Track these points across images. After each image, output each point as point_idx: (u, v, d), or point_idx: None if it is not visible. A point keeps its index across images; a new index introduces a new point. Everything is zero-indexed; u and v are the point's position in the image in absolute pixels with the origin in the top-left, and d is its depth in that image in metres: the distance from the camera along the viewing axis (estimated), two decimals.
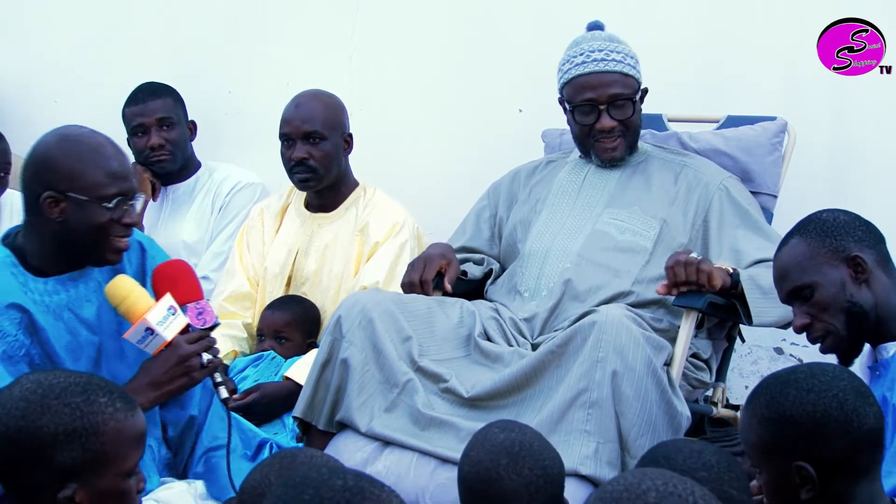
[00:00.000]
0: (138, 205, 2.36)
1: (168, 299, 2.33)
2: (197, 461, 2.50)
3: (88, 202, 2.26)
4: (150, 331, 2.29)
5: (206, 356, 2.34)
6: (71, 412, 1.72)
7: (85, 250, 2.31)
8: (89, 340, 2.36)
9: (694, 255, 2.66)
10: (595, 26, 3.07)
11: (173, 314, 2.32)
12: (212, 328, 2.40)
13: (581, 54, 2.99)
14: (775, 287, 2.27)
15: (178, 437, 2.52)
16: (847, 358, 2.21)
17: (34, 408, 1.71)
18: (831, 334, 2.18)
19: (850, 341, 2.18)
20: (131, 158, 3.72)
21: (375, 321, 2.70)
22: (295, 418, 2.80)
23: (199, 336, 2.36)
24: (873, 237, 2.19)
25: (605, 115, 2.97)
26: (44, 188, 2.26)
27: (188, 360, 2.32)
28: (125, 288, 2.31)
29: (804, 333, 2.22)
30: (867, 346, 2.21)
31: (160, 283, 2.40)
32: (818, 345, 2.23)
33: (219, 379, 2.40)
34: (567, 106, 3.03)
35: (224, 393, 2.41)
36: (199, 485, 2.42)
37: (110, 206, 2.26)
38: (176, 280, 2.40)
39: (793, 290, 2.20)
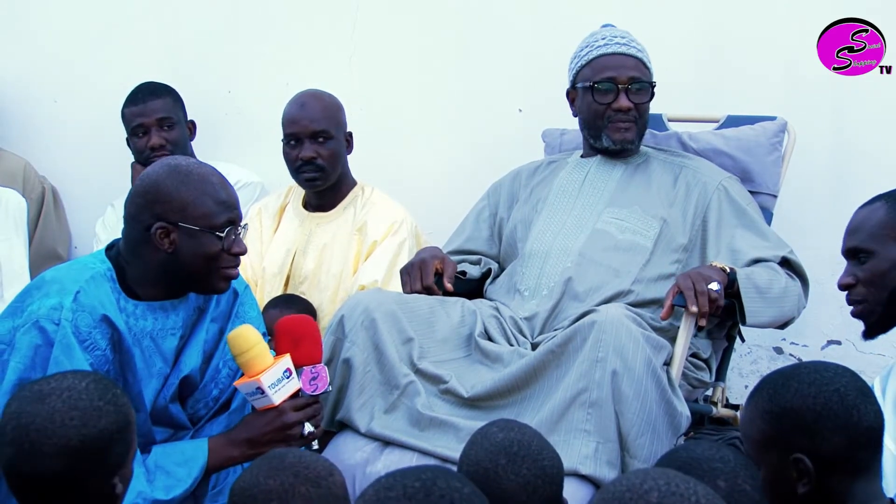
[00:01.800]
0: (244, 234, 2.37)
1: (286, 361, 2.33)
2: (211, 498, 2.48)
3: (200, 232, 2.27)
4: (260, 390, 2.29)
5: (308, 427, 2.34)
6: (116, 410, 1.77)
7: (194, 279, 2.32)
8: (160, 372, 2.36)
9: (714, 285, 2.63)
10: (609, 25, 3.11)
11: (287, 377, 2.32)
12: (323, 394, 2.40)
13: (603, 38, 3.04)
14: (843, 238, 2.25)
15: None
16: (871, 332, 2.21)
17: (90, 414, 1.75)
18: (866, 303, 2.17)
19: (881, 317, 2.17)
20: (131, 159, 3.76)
21: (378, 322, 2.70)
22: None
23: (307, 403, 2.35)
24: None
25: (623, 96, 3.00)
26: (155, 219, 2.27)
27: (290, 429, 2.32)
28: (249, 341, 2.30)
29: (844, 294, 2.22)
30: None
31: (283, 338, 2.39)
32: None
33: (315, 447, 2.40)
34: (585, 85, 3.03)
35: None
36: None
37: (222, 235, 2.28)
38: (299, 341, 2.39)
39: (853, 248, 2.19)
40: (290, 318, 2.45)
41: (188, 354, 2.40)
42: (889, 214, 2.16)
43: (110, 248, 2.37)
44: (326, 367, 2.41)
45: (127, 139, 3.74)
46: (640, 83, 3.01)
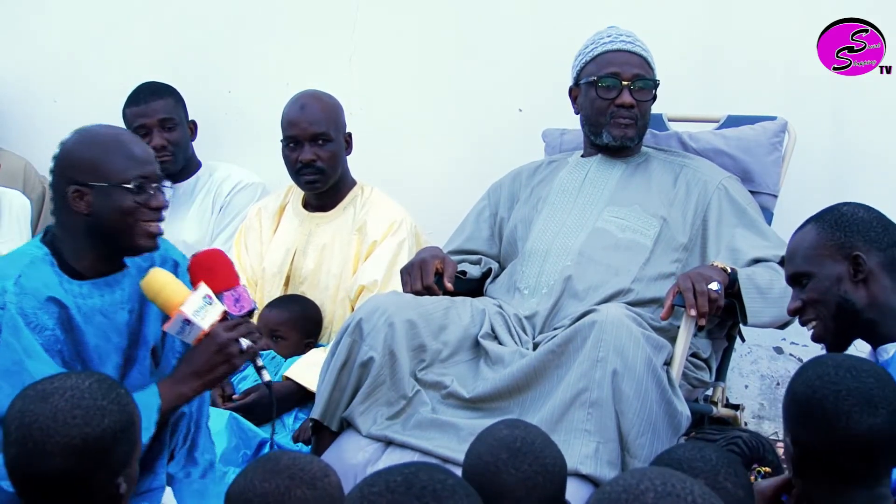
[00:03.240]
0: (167, 191, 2.37)
1: (203, 289, 2.33)
2: (174, 463, 2.48)
3: (112, 188, 2.27)
4: (187, 322, 2.29)
5: (244, 342, 2.33)
6: (120, 409, 1.78)
7: (117, 239, 2.31)
8: (118, 346, 2.37)
9: (714, 285, 2.64)
10: (614, 28, 3.13)
11: (209, 303, 2.32)
12: (250, 314, 2.40)
13: (609, 35, 3.06)
14: (784, 267, 2.30)
15: (169, 432, 2.50)
16: (832, 349, 2.23)
17: (93, 412, 1.76)
18: (818, 322, 2.21)
19: (835, 334, 2.20)
20: None
21: (396, 326, 2.70)
22: (311, 420, 2.78)
23: (237, 323, 2.35)
24: (889, 239, 2.18)
25: (626, 92, 3.01)
26: (68, 183, 2.28)
27: (227, 348, 2.31)
28: (161, 281, 2.31)
29: (797, 317, 2.26)
30: (868, 349, 2.21)
31: (196, 272, 2.40)
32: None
33: (260, 364, 2.40)
34: (589, 80, 3.05)
35: (266, 377, 2.41)
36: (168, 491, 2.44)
37: (132, 187, 2.27)
38: (211, 269, 2.40)
39: (793, 274, 2.23)
40: (198, 253, 2.46)
41: (148, 327, 2.41)
42: (819, 235, 2.19)
43: (45, 235, 2.38)
44: (247, 287, 2.41)
45: None
46: (643, 80, 3.02)
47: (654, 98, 3.08)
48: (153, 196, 2.31)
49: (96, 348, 2.32)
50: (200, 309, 2.31)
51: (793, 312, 2.25)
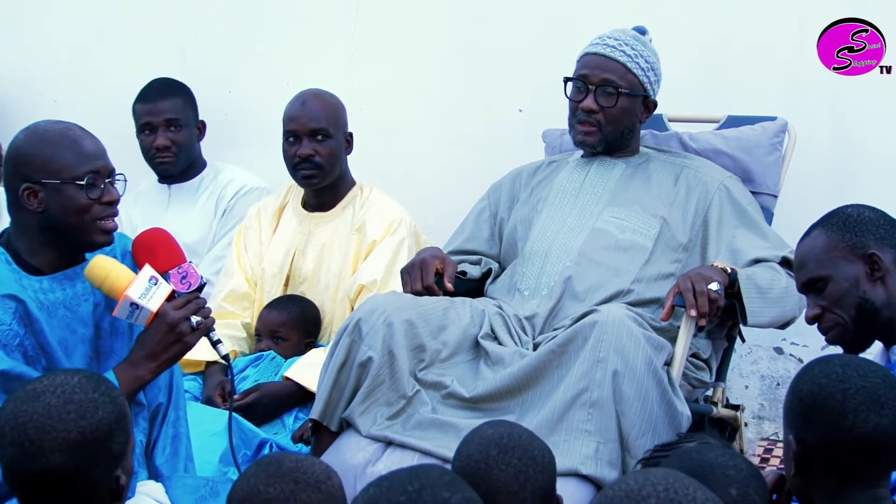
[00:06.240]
0: (120, 185, 2.36)
1: (147, 270, 2.33)
2: (161, 451, 2.49)
3: (62, 185, 2.27)
4: (134, 305, 2.29)
5: (195, 318, 2.33)
6: (111, 400, 1.79)
7: (71, 236, 2.31)
8: (85, 338, 2.37)
9: (714, 285, 2.64)
10: (638, 29, 3.12)
11: (155, 284, 2.32)
12: (199, 289, 2.39)
13: (599, 38, 3.05)
14: (794, 275, 2.29)
15: (148, 425, 2.51)
16: (851, 352, 2.22)
17: (86, 406, 1.76)
18: (839, 326, 2.20)
19: (856, 336, 2.19)
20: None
21: (395, 326, 2.70)
22: (311, 420, 2.79)
23: (186, 300, 2.34)
24: None
25: (590, 97, 3.00)
26: (21, 181, 2.29)
27: (177, 327, 2.31)
28: (104, 268, 2.30)
29: (815, 325, 2.25)
30: (880, 347, 2.22)
31: (139, 254, 2.40)
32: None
33: (215, 337, 2.41)
34: (565, 81, 3.06)
35: (223, 350, 2.43)
36: (159, 487, 2.43)
37: (82, 183, 2.27)
38: (154, 249, 2.39)
39: (807, 281, 2.22)
40: (140, 234, 2.45)
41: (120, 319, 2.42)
42: (829, 238, 2.19)
43: (1, 235, 2.39)
44: (192, 263, 2.40)
45: (136, 133, 3.73)
46: (611, 86, 2.98)
47: (651, 106, 3.06)
48: (105, 191, 2.32)
49: (62, 341, 2.32)
50: (146, 291, 2.31)
51: (811, 319, 2.23)
